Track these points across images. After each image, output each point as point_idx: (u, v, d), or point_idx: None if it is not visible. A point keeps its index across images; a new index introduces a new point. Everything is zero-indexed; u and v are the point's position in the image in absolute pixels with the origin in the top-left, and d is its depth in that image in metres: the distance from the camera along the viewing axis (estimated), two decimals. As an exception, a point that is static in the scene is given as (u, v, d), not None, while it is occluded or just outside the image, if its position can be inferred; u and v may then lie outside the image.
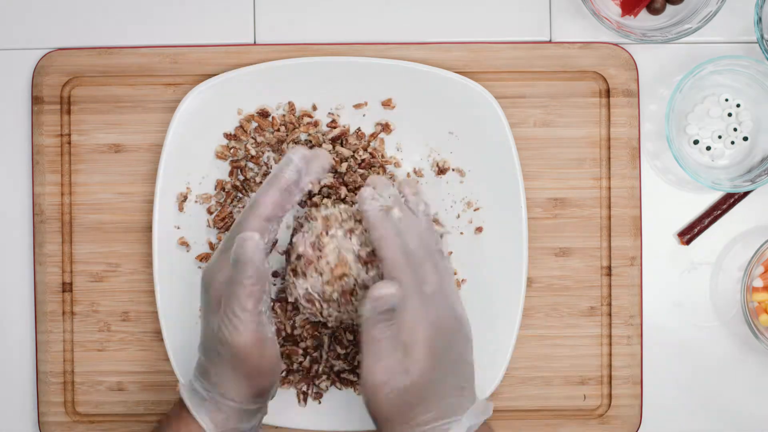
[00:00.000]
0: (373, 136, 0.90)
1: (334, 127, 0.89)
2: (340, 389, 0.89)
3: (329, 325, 0.85)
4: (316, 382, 0.89)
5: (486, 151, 0.89)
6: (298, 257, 0.81)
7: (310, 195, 0.89)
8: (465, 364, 0.79)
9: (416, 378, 0.76)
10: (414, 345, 0.76)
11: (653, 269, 0.92)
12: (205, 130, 0.90)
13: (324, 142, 0.89)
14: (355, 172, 0.89)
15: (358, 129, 0.90)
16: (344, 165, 0.89)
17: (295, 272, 0.82)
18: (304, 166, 0.80)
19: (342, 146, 0.89)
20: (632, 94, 0.91)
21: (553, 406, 0.92)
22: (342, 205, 0.83)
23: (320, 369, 0.89)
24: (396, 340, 0.76)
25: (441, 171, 0.90)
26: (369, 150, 0.89)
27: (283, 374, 0.89)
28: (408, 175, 0.90)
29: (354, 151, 0.89)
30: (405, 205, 0.80)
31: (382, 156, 0.90)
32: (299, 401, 0.90)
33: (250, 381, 0.78)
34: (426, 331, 0.77)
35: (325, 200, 0.88)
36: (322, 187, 0.88)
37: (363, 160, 0.89)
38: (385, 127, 0.89)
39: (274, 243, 0.82)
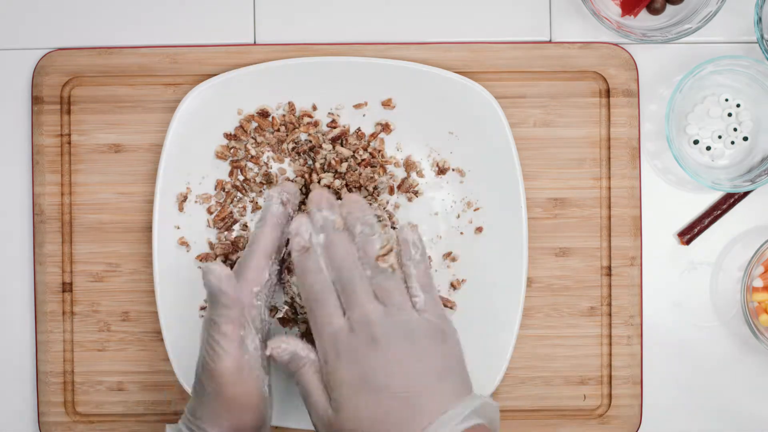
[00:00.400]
0: (373, 136, 0.90)
1: (334, 127, 0.89)
2: None
3: None
4: None
5: (486, 151, 0.89)
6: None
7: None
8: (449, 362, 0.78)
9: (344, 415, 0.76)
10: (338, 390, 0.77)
11: (653, 269, 0.92)
12: (205, 130, 0.90)
13: (324, 142, 0.89)
14: (355, 171, 0.89)
15: (358, 129, 0.90)
16: (344, 165, 0.89)
17: (290, 271, 0.83)
18: (287, 196, 0.83)
19: (342, 146, 0.89)
20: (632, 94, 0.91)
21: (553, 406, 0.92)
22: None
23: None
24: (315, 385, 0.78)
25: (441, 171, 0.90)
26: (369, 150, 0.89)
27: None
28: (408, 175, 0.90)
29: (354, 151, 0.89)
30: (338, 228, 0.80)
31: (382, 156, 0.90)
32: None
33: (231, 414, 0.77)
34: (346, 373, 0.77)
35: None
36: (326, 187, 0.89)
37: (363, 160, 0.89)
38: (385, 127, 0.89)
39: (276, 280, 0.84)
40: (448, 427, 0.74)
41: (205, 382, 0.78)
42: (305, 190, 0.89)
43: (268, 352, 0.79)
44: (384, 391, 0.75)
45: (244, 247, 0.87)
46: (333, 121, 0.90)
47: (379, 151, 0.90)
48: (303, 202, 0.88)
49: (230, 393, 0.77)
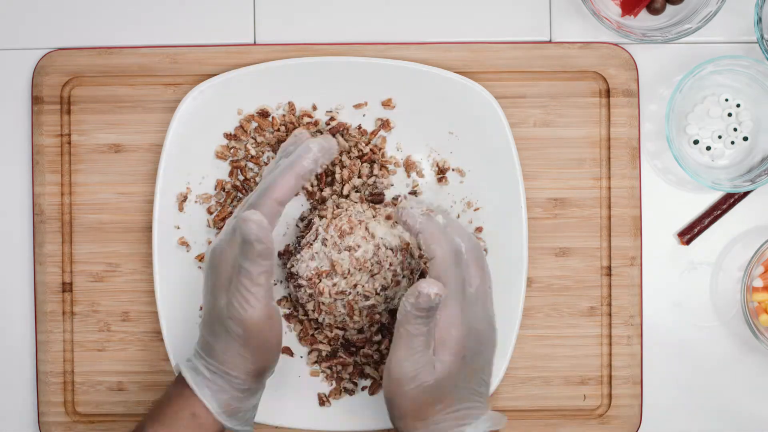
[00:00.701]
0: (374, 133, 0.90)
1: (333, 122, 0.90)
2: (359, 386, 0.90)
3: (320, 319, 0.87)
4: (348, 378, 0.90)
5: (486, 151, 0.89)
6: (320, 240, 0.84)
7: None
8: (488, 371, 0.80)
9: (441, 377, 0.77)
10: (446, 345, 0.77)
11: (653, 269, 0.92)
12: (205, 130, 0.90)
13: (323, 132, 0.89)
14: (354, 163, 0.89)
15: (360, 125, 0.90)
16: (344, 156, 0.89)
17: (292, 275, 0.84)
18: (321, 155, 0.82)
19: (342, 137, 0.89)
20: (632, 94, 0.91)
21: (553, 406, 0.92)
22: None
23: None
24: (430, 337, 0.77)
25: (441, 171, 0.90)
26: (370, 146, 0.89)
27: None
28: (408, 175, 0.90)
29: (355, 144, 0.89)
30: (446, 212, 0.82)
31: (383, 155, 0.90)
32: (322, 403, 0.90)
33: (257, 357, 0.79)
34: (460, 333, 0.78)
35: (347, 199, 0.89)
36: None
37: (364, 155, 0.89)
38: (385, 124, 0.89)
39: None
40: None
41: (231, 327, 0.78)
42: (308, 197, 0.89)
43: (422, 298, 0.76)
44: (485, 369, 0.81)
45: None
46: (331, 118, 0.90)
47: (380, 149, 0.90)
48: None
49: (259, 340, 0.78)
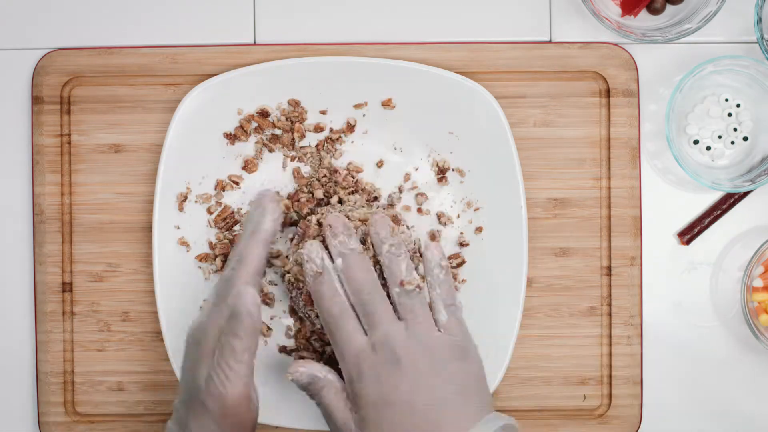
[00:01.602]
0: (339, 140, 0.90)
1: (321, 130, 0.90)
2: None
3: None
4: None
5: (486, 151, 0.89)
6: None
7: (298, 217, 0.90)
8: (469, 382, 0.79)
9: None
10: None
11: (653, 269, 0.92)
12: (205, 130, 0.90)
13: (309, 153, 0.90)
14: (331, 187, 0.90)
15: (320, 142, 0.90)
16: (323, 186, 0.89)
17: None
18: (278, 216, 0.82)
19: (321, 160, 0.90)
20: (632, 94, 0.91)
21: (553, 406, 0.92)
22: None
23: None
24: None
25: (441, 171, 0.90)
26: (336, 176, 0.89)
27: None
28: (407, 176, 0.90)
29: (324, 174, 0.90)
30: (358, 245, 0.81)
31: (353, 175, 0.89)
32: None
33: None
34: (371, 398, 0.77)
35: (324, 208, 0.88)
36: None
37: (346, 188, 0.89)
38: (349, 128, 0.90)
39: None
40: None
41: (209, 404, 0.77)
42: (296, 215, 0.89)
43: (288, 377, 0.79)
44: (407, 409, 0.76)
45: None
46: (318, 123, 0.90)
47: (350, 172, 0.90)
48: (294, 223, 0.88)
49: (235, 419, 0.77)
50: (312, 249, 0.81)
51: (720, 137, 0.92)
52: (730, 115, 0.91)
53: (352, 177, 0.89)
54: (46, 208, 0.91)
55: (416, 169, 0.90)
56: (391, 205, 0.90)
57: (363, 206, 0.88)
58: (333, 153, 0.90)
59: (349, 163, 0.90)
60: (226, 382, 0.76)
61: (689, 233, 0.92)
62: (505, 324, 0.88)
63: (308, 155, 0.90)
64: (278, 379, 0.89)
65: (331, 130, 0.90)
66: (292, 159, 0.90)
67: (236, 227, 0.90)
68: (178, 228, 0.90)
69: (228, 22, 0.92)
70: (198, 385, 0.78)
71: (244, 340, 0.76)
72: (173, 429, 0.79)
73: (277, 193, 0.88)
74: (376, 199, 0.89)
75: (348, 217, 0.84)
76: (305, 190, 0.89)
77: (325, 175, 0.89)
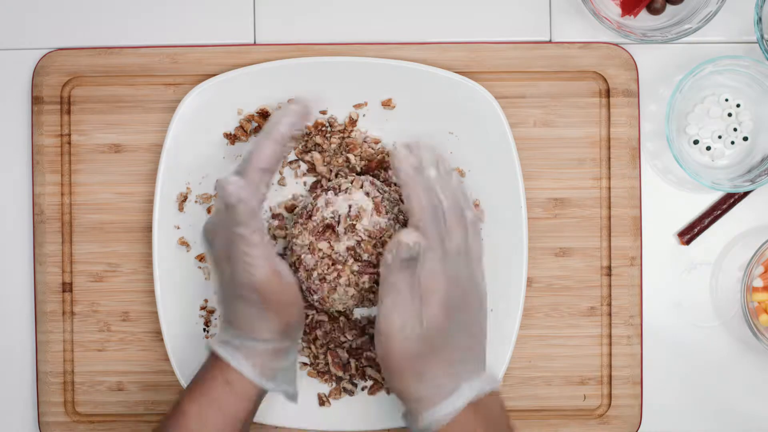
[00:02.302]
0: (344, 131, 0.90)
1: (322, 126, 0.90)
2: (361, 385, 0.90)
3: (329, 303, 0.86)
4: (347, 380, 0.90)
5: (486, 151, 0.89)
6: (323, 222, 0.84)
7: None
8: (476, 327, 0.80)
9: (429, 327, 0.77)
10: (430, 295, 0.77)
11: (653, 269, 0.92)
12: (205, 130, 0.90)
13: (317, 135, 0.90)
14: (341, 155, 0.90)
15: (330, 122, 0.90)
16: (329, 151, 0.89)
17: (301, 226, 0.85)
18: (296, 119, 0.82)
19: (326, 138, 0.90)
20: (632, 94, 0.91)
21: (553, 406, 0.92)
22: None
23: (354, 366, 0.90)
24: (414, 288, 0.77)
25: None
26: (346, 136, 0.90)
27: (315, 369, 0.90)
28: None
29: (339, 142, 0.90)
30: (442, 167, 0.80)
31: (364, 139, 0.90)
32: (322, 403, 0.90)
33: (278, 314, 0.79)
34: (442, 285, 0.78)
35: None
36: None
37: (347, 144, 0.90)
38: (351, 123, 0.90)
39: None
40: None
41: (244, 294, 0.78)
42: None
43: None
44: (472, 325, 0.80)
45: None
46: (318, 121, 0.90)
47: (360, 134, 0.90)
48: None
49: (274, 298, 0.79)
50: (419, 145, 0.80)
51: (720, 137, 0.92)
52: (730, 115, 0.91)
53: (371, 148, 0.90)
54: (46, 208, 0.91)
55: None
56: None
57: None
58: (345, 136, 0.90)
59: (366, 135, 0.90)
60: (249, 269, 0.78)
61: (689, 233, 0.92)
62: (505, 324, 0.88)
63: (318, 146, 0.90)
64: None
65: (331, 124, 0.90)
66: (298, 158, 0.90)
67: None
68: (178, 228, 0.90)
69: (228, 22, 0.92)
70: (226, 280, 0.80)
71: (247, 225, 0.77)
72: (222, 327, 0.81)
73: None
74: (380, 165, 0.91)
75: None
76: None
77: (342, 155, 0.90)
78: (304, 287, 0.84)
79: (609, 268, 0.91)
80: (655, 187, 0.92)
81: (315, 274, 0.83)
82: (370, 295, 0.84)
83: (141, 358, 0.91)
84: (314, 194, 0.86)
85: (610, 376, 0.91)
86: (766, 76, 0.89)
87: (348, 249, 0.83)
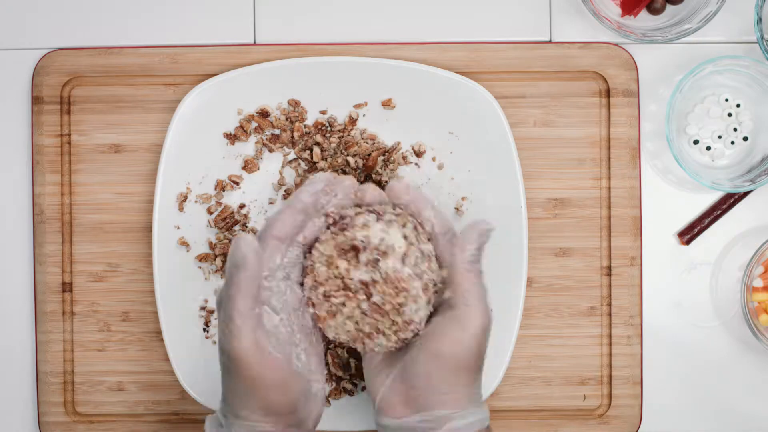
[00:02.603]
0: (344, 131, 0.90)
1: (321, 126, 0.90)
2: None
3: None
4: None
5: (486, 151, 0.89)
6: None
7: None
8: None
9: (482, 342, 0.78)
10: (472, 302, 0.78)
11: (653, 269, 0.92)
12: (205, 130, 0.90)
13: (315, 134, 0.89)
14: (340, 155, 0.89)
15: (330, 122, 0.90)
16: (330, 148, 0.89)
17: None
18: (326, 190, 0.79)
19: (325, 137, 0.89)
20: (632, 94, 0.91)
21: (553, 406, 0.92)
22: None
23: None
24: (483, 295, 0.78)
25: (417, 155, 0.90)
26: (345, 136, 0.89)
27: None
28: (404, 158, 0.90)
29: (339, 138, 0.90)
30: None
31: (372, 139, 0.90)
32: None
33: (257, 393, 0.74)
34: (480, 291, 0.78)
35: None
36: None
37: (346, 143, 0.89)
38: (351, 122, 0.90)
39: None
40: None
41: (226, 363, 0.74)
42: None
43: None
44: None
45: None
46: (318, 120, 0.90)
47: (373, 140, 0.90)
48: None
49: (250, 372, 0.73)
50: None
51: (720, 137, 0.92)
52: (730, 115, 0.91)
53: (367, 143, 0.89)
54: (46, 208, 0.91)
55: (418, 166, 0.90)
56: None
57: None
58: (345, 135, 0.90)
59: (363, 131, 0.90)
60: (230, 335, 0.73)
61: (689, 233, 0.92)
62: (505, 324, 0.88)
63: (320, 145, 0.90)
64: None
65: (331, 124, 0.90)
66: (292, 160, 0.90)
67: (236, 227, 0.90)
68: (178, 228, 0.90)
69: (228, 22, 0.92)
70: (219, 345, 0.75)
71: (242, 290, 0.73)
72: (222, 404, 0.77)
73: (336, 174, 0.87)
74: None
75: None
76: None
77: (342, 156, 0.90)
78: (304, 296, 0.79)
79: (609, 268, 0.91)
80: (655, 187, 0.92)
81: (322, 289, 0.78)
82: (366, 339, 0.78)
83: (141, 358, 0.91)
84: (358, 210, 0.79)
85: (610, 376, 0.91)
86: (766, 76, 0.89)
87: (362, 282, 0.76)
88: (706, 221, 0.92)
